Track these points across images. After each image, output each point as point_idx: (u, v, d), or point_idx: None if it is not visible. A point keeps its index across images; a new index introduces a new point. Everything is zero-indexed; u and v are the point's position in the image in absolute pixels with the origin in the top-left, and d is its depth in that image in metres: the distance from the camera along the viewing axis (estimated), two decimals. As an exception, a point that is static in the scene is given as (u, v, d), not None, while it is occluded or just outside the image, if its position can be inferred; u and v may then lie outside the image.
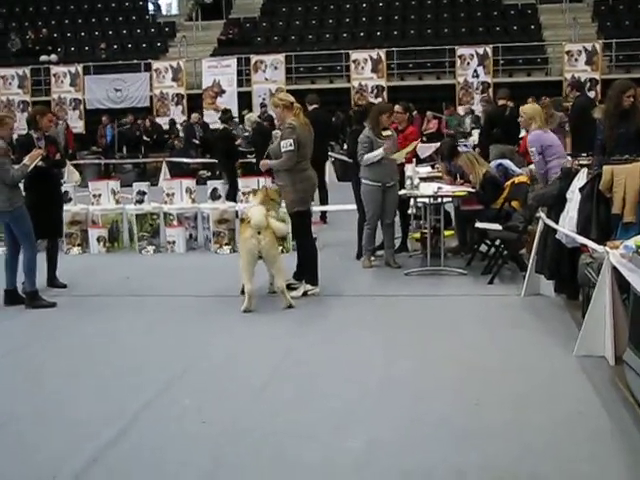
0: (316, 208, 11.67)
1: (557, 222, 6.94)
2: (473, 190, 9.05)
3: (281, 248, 9.92)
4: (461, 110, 22.11)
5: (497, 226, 8.49)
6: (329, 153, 17.51)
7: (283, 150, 7.69)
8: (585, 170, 6.79)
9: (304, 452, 4.31)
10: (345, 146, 14.95)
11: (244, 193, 10.82)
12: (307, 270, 8.05)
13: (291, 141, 7.63)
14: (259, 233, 7.35)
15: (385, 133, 9.02)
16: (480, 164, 9.26)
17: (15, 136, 9.06)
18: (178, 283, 8.84)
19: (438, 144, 16.68)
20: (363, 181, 9.08)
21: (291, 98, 8.00)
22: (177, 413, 4.93)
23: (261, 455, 4.30)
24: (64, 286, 8.65)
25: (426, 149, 19.45)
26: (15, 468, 4.23)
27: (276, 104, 7.94)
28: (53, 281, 8.71)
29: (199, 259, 10.32)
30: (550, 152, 8.04)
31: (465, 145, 14.35)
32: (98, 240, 10.90)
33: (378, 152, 8.84)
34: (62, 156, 9.11)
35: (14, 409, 5.10)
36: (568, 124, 11.97)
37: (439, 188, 8.96)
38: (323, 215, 12.61)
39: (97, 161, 22.00)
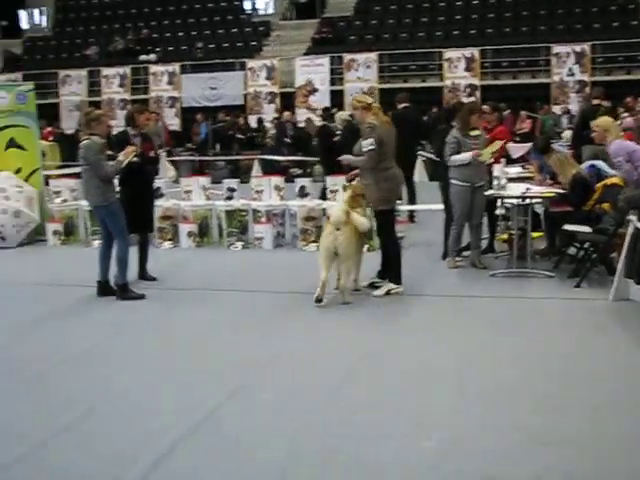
0: (403, 207, 11.69)
1: (648, 225, 6.76)
2: (562, 191, 8.87)
3: (367, 246, 10.02)
4: (557, 110, 21.67)
5: (587, 228, 8.31)
6: (420, 152, 17.44)
7: (364, 150, 7.75)
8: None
9: (379, 451, 4.32)
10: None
11: (332, 191, 10.87)
12: (391, 269, 8.05)
13: (372, 140, 7.67)
14: (338, 229, 7.42)
15: (473, 133, 8.94)
16: (570, 165, 9.08)
17: (114, 133, 9.40)
18: (264, 279, 8.97)
19: (531, 144, 16.45)
20: (452, 181, 9.03)
21: (369, 99, 8.11)
22: (256, 407, 5.02)
23: (336, 453, 4.33)
24: (154, 279, 8.90)
25: (518, 149, 19.13)
26: (95, 455, 4.38)
27: (355, 106, 8.07)
28: (144, 274, 8.97)
29: (286, 256, 10.44)
30: (636, 156, 7.84)
31: (560, 145, 14.09)
32: (188, 235, 11.17)
33: (466, 156, 8.78)
34: (157, 153, 9.34)
35: (98, 398, 5.28)
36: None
37: (527, 189, 8.82)
38: (411, 214, 12.58)
39: (191, 158, 22.47)
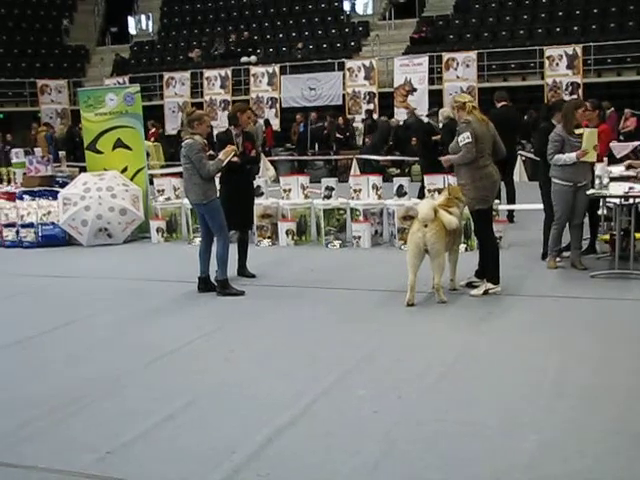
0: (502, 207, 11.58)
1: None
2: (667, 191, 8.63)
3: (465, 246, 9.99)
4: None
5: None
6: (520, 152, 17.20)
7: (461, 144, 7.74)
8: None
9: (474, 450, 4.32)
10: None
11: (429, 190, 10.86)
12: (489, 269, 8.00)
13: (467, 134, 7.68)
14: (426, 226, 7.44)
15: (578, 131, 8.78)
16: None
17: (216, 132, 9.65)
18: (361, 277, 9.05)
19: (637, 143, 16.02)
20: (554, 180, 8.89)
21: (465, 98, 8.15)
22: (351, 402, 5.09)
23: (430, 449, 4.36)
24: (253, 276, 9.09)
25: (622, 148, 18.67)
26: (195, 443, 4.53)
27: (452, 107, 8.22)
28: (243, 271, 9.17)
29: (383, 254, 10.49)
30: None
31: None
32: (287, 233, 11.35)
33: (571, 156, 8.63)
34: (257, 153, 9.51)
35: (200, 388, 5.45)
36: None
37: (630, 188, 8.61)
38: (510, 214, 12.44)
39: (290, 158, 22.77)
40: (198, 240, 9.56)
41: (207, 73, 27.53)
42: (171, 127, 27.02)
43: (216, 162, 8.24)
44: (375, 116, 24.07)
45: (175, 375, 5.80)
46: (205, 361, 6.13)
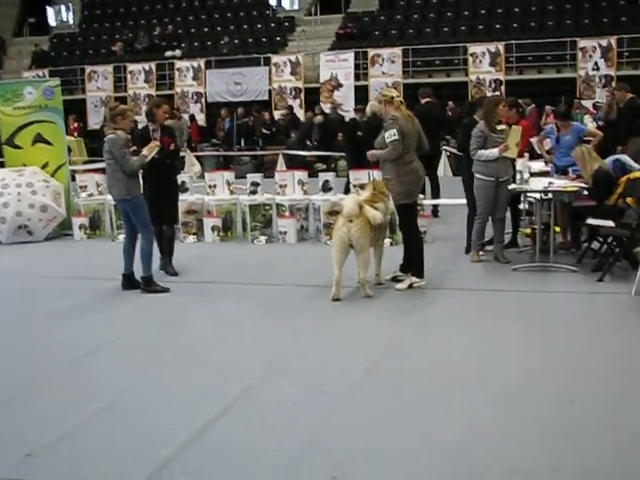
0: (427, 202, 11.71)
1: (671, 219, 6.74)
2: (585, 186, 8.85)
3: (390, 241, 10.07)
4: (588, 104, 21.47)
5: (610, 223, 8.29)
6: (444, 147, 17.43)
7: (388, 140, 7.79)
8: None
9: (399, 441, 4.36)
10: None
11: (355, 185, 10.91)
12: (413, 263, 8.09)
13: (394, 131, 7.73)
14: (350, 221, 7.47)
15: (500, 127, 8.93)
16: (593, 159, 9.04)
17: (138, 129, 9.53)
18: (287, 273, 9.04)
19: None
20: (476, 175, 9.03)
21: (392, 93, 8.17)
22: (277, 398, 5.08)
23: (355, 442, 4.38)
24: (175, 274, 8.99)
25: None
26: (119, 442, 4.47)
27: (379, 100, 8.25)
28: (167, 268, 9.06)
29: (309, 250, 10.50)
30: None
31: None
32: (212, 229, 11.26)
33: (494, 152, 8.78)
34: (177, 148, 9.40)
35: (123, 386, 5.38)
36: None
37: (550, 183, 8.81)
38: (434, 209, 12.59)
39: (216, 153, 22.60)
40: (122, 237, 9.41)
41: (130, 67, 27.10)
42: (94, 122, 26.51)
43: (140, 157, 8.13)
44: (301, 112, 24.10)
45: (98, 374, 5.70)
46: (129, 359, 6.04)
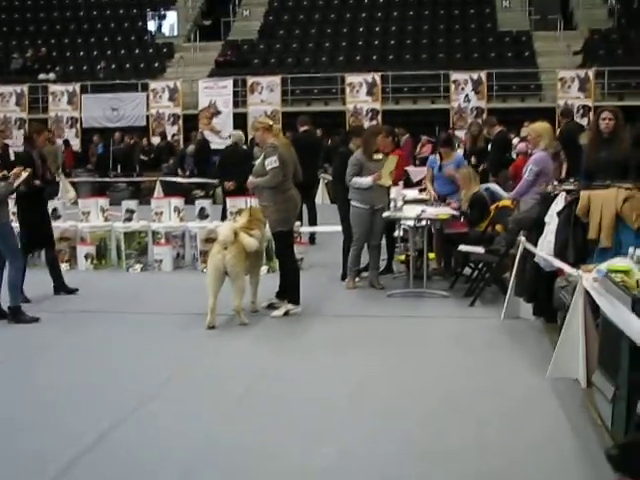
0: (304, 229, 11.79)
1: (536, 246, 7.01)
2: (456, 213, 9.13)
3: (267, 268, 10.06)
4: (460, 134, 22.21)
5: (480, 249, 8.56)
6: (322, 175, 17.63)
7: (269, 168, 7.80)
8: (563, 194, 6.87)
9: (268, 470, 4.34)
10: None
11: (231, 212, 10.87)
12: (289, 290, 8.10)
13: (275, 158, 7.76)
14: (225, 249, 7.45)
15: (376, 157, 9.08)
16: (475, 183, 9.38)
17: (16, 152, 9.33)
18: (162, 301, 8.90)
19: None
20: (352, 203, 9.16)
21: (270, 121, 8.30)
22: (150, 428, 4.97)
23: (230, 466, 4.35)
24: (75, 290, 9.21)
25: (418, 173, 19.54)
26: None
27: (256, 127, 8.24)
28: (63, 288, 9.19)
29: (185, 277, 10.36)
30: (543, 179, 8.17)
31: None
32: (86, 257, 10.95)
33: (367, 180, 8.95)
34: (52, 174, 9.24)
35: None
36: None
37: (423, 211, 9.03)
38: (311, 236, 12.68)
39: (91, 179, 22.10)
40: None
41: (1, 89, 26.19)
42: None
43: (6, 185, 7.84)
44: (178, 138, 23.91)
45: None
46: (-5, 392, 5.78)
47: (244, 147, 13.03)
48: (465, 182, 9.38)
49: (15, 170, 7.95)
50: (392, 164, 9.15)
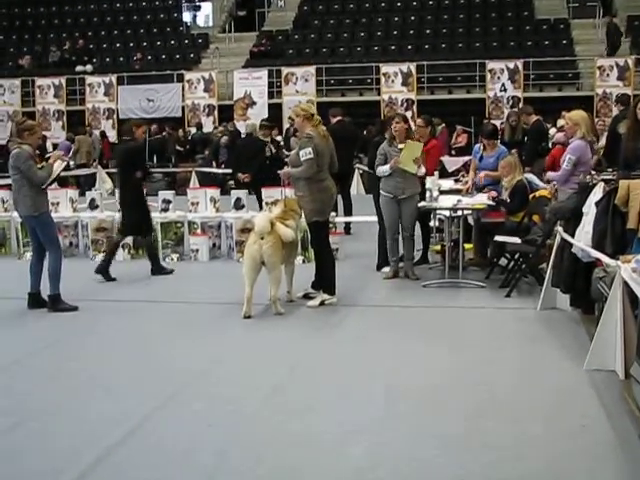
0: (339, 219, 11.79)
1: (573, 236, 6.95)
2: (492, 202, 9.05)
3: (302, 258, 10.10)
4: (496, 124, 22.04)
5: (516, 239, 8.50)
6: (357, 165, 17.62)
7: (303, 159, 7.81)
8: (602, 184, 6.80)
9: (307, 459, 4.36)
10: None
11: (267, 203, 10.91)
12: (325, 280, 8.11)
13: (310, 149, 7.75)
14: (262, 239, 7.47)
15: (400, 146, 9.02)
16: (519, 171, 9.30)
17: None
18: (199, 290, 8.96)
19: (467, 158, 16.78)
20: (380, 192, 9.17)
21: (312, 110, 8.14)
22: (186, 417, 5.01)
23: (263, 460, 4.35)
24: (172, 271, 9.95)
25: (454, 162, 19.49)
26: (21, 467, 4.34)
27: (297, 114, 8.12)
28: (158, 269, 9.91)
29: (221, 267, 10.44)
30: (581, 168, 8.08)
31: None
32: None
33: (385, 168, 8.94)
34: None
35: (32, 407, 5.24)
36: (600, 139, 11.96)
37: (459, 201, 8.98)
38: (347, 226, 12.68)
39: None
40: (29, 255, 9.18)
41: (39, 81, 26.51)
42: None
43: (47, 167, 8.03)
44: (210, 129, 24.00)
45: (2, 395, 5.51)
46: (33, 380, 5.86)
47: (259, 137, 13.03)
48: (509, 169, 9.25)
49: (51, 160, 8.10)
50: (412, 149, 8.93)
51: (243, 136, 13.27)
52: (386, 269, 9.45)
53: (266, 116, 23.58)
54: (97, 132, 24.05)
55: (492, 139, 10.09)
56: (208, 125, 24.66)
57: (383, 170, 8.98)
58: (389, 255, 9.33)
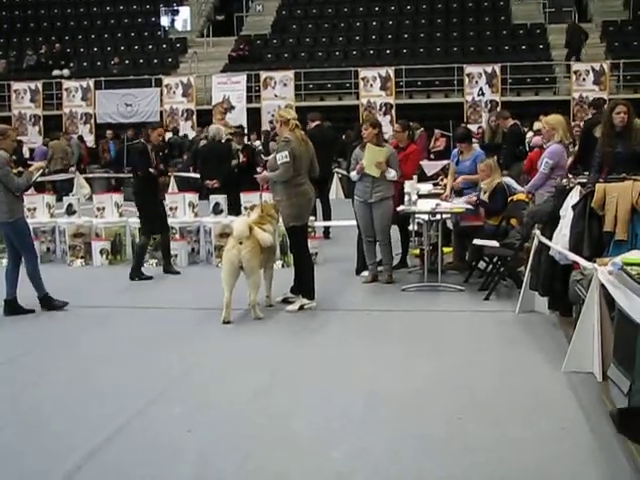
0: (318, 223, 11.79)
1: (551, 239, 6.99)
2: (470, 207, 9.09)
3: (281, 262, 10.09)
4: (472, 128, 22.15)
5: (494, 243, 8.54)
6: (336, 169, 17.61)
7: (279, 162, 7.82)
8: (578, 188, 6.85)
9: (288, 462, 4.36)
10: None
11: (246, 208, 10.88)
12: (304, 284, 8.11)
13: (286, 153, 7.76)
14: (240, 243, 7.45)
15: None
16: (498, 173, 9.34)
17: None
18: (177, 296, 8.93)
19: (445, 162, 16.83)
20: (354, 196, 9.27)
21: (290, 115, 8.14)
22: (166, 422, 4.99)
23: (244, 465, 4.34)
24: (178, 272, 10.17)
25: (433, 167, 19.53)
26: (2, 474, 4.29)
27: (276, 119, 8.24)
28: (169, 268, 10.24)
29: (200, 272, 10.39)
30: (558, 172, 8.16)
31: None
32: (101, 252, 10.99)
33: (352, 173, 9.11)
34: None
35: (6, 416, 5.18)
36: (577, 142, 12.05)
37: (437, 205, 9.01)
38: (326, 230, 12.68)
39: (105, 175, 22.17)
40: (4, 261, 9.10)
41: (16, 86, 26.31)
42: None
43: (27, 178, 8.01)
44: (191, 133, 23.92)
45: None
46: (12, 387, 5.82)
47: (223, 142, 12.84)
48: (488, 172, 9.29)
49: (31, 168, 8.11)
50: (375, 154, 8.94)
51: (204, 142, 13.03)
52: (365, 273, 9.47)
53: (244, 121, 23.63)
54: (75, 136, 23.89)
55: (465, 142, 10.12)
56: (186, 129, 24.57)
57: (352, 175, 9.13)
58: (366, 259, 9.34)
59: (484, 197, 9.26)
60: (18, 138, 9.87)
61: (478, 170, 9.50)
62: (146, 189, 9.99)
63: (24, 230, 8.04)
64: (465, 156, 9.94)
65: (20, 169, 8.30)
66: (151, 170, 9.86)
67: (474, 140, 16.37)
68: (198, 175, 20.01)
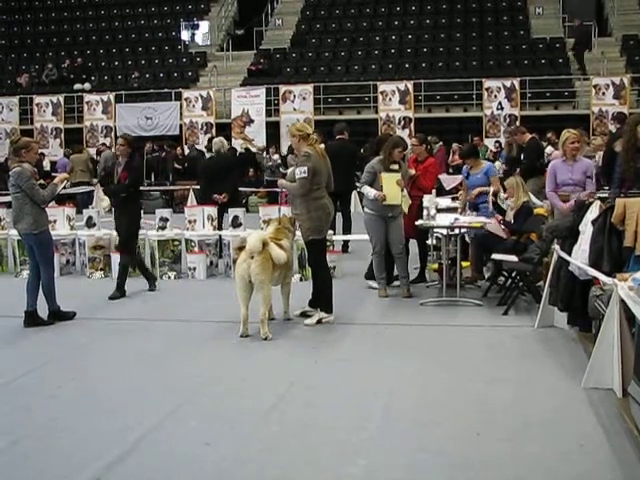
0: (337, 237, 11.80)
1: (570, 254, 6.95)
2: (488, 222, 9.03)
3: (300, 276, 10.10)
4: (489, 143, 22.14)
5: (513, 257, 8.50)
6: (357, 183, 17.60)
7: (297, 177, 7.86)
8: (598, 203, 6.82)
9: (304, 477, 4.35)
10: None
11: (264, 221, 10.91)
12: (322, 298, 8.11)
13: (305, 169, 7.77)
14: (252, 257, 7.39)
15: (393, 167, 9.06)
16: (524, 191, 9.28)
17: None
18: (196, 309, 8.94)
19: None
20: (365, 209, 9.21)
21: (309, 130, 8.17)
22: (183, 435, 4.99)
23: (260, 478, 4.34)
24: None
25: (451, 181, 19.50)
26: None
27: (293, 133, 8.13)
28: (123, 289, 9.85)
29: (219, 285, 10.42)
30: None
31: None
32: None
33: (371, 193, 9.00)
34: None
35: (24, 427, 5.20)
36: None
37: (456, 219, 8.99)
38: (345, 244, 12.68)
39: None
40: (26, 273, 9.18)
41: (37, 99, 26.59)
42: (-2, 155, 25.91)
43: (51, 187, 8.24)
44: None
45: (-3, 414, 5.50)
46: (30, 398, 5.84)
47: (229, 154, 12.71)
48: (513, 189, 9.24)
49: (56, 180, 8.23)
50: (392, 184, 8.93)
51: (208, 156, 12.93)
52: (396, 282, 9.44)
53: (264, 134, 23.75)
54: (93, 150, 24.05)
55: (471, 158, 10.13)
56: (205, 143, 24.67)
57: (367, 193, 9.05)
58: (376, 274, 9.33)
59: (511, 214, 9.21)
60: (40, 151, 9.94)
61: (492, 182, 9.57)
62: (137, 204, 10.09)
63: (48, 242, 8.16)
64: (475, 170, 9.94)
65: (41, 181, 8.38)
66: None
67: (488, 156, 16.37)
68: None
